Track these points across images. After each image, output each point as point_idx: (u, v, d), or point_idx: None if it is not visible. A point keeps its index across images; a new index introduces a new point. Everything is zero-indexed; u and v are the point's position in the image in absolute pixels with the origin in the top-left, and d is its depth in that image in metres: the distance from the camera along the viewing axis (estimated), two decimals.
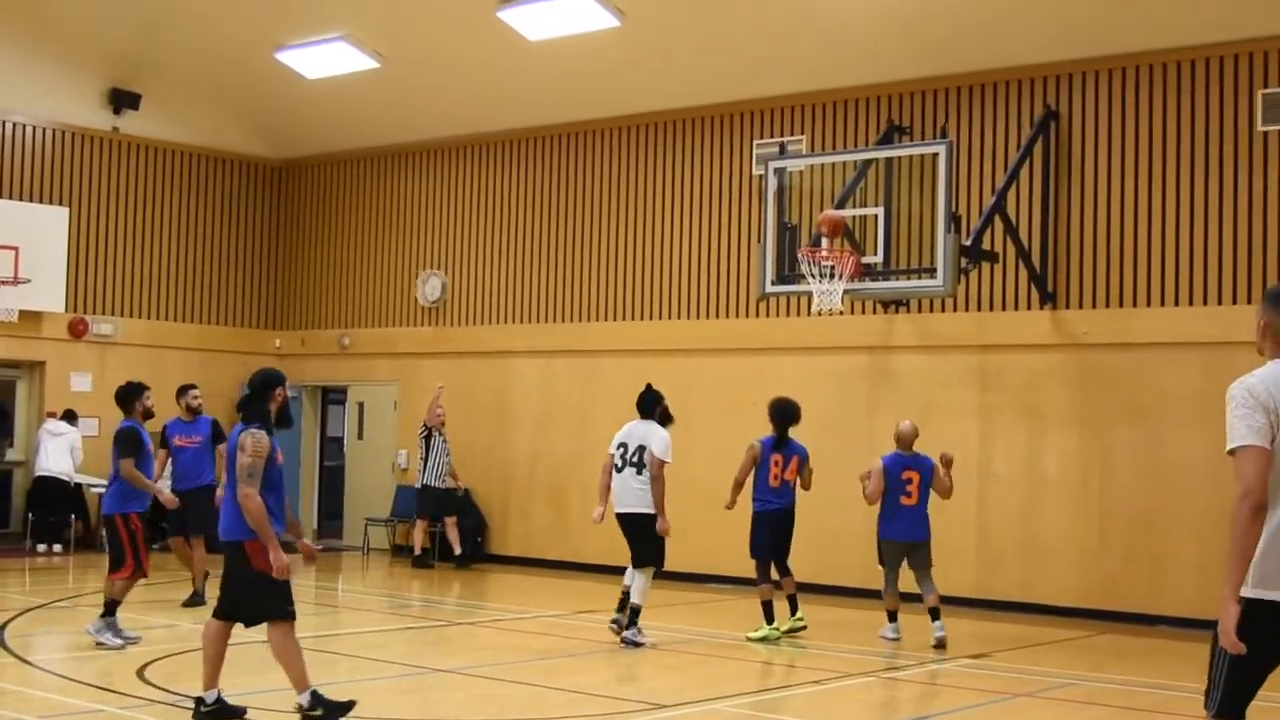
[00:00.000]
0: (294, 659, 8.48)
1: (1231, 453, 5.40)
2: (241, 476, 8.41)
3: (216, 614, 8.72)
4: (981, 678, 11.76)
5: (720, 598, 17.05)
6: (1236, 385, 5.53)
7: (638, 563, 12.88)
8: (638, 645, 12.63)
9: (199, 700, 8.65)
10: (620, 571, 13.24)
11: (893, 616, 13.62)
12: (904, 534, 13.52)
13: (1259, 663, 5.40)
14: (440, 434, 19.76)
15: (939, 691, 11.32)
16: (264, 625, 8.61)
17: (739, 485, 13.65)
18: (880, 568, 13.84)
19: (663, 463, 12.75)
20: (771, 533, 13.58)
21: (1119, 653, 13.49)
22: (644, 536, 12.86)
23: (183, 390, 14.92)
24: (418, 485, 19.98)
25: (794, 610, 13.82)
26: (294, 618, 8.58)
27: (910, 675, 11.98)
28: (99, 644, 11.64)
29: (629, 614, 12.77)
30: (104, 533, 19.98)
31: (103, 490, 20.19)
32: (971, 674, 11.94)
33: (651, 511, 12.79)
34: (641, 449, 12.83)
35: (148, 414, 12.67)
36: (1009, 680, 11.63)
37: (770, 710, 10.47)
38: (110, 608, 11.91)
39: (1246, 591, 5.31)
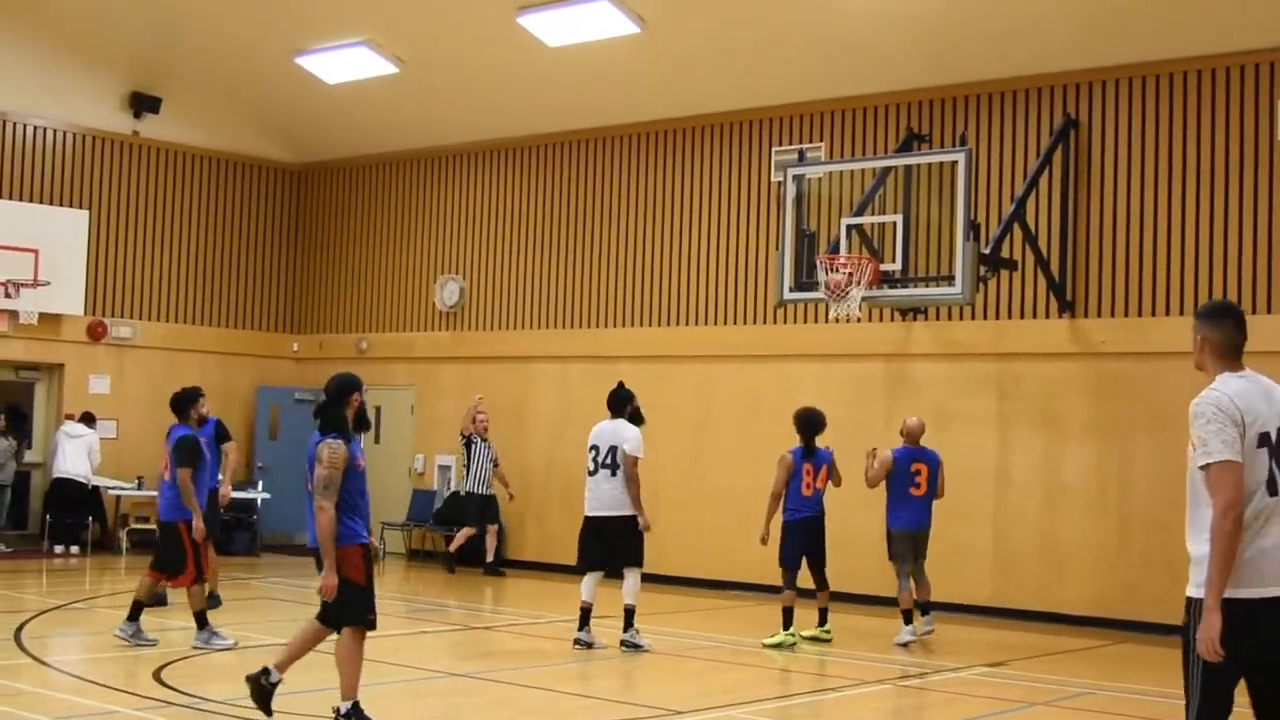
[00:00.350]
0: (353, 667, 8.54)
1: (1205, 468, 5.58)
2: (317, 489, 8.38)
3: (319, 618, 8.76)
4: (998, 686, 11.75)
5: (736, 604, 17.03)
6: (1203, 401, 5.68)
7: (625, 564, 12.83)
8: (637, 648, 12.60)
9: (266, 670, 8.74)
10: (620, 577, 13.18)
11: (909, 618, 13.72)
12: (913, 523, 13.95)
13: (1230, 665, 5.52)
14: (484, 441, 19.67)
15: (955, 699, 11.29)
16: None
17: (777, 498, 13.65)
18: (892, 563, 14.02)
19: (636, 459, 12.71)
20: (804, 541, 13.64)
21: (1136, 661, 13.44)
22: (625, 538, 12.81)
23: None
24: (461, 492, 19.92)
25: (822, 622, 13.84)
26: (373, 626, 8.62)
27: (927, 683, 11.95)
28: (217, 649, 11.82)
29: (625, 615, 12.70)
30: (118, 535, 20.31)
31: (121, 492, 20.46)
32: (988, 682, 11.92)
33: (628, 513, 12.76)
34: (613, 450, 12.76)
35: (202, 420, 12.68)
36: (1026, 689, 11.60)
37: (786, 718, 10.45)
38: (201, 619, 12.01)
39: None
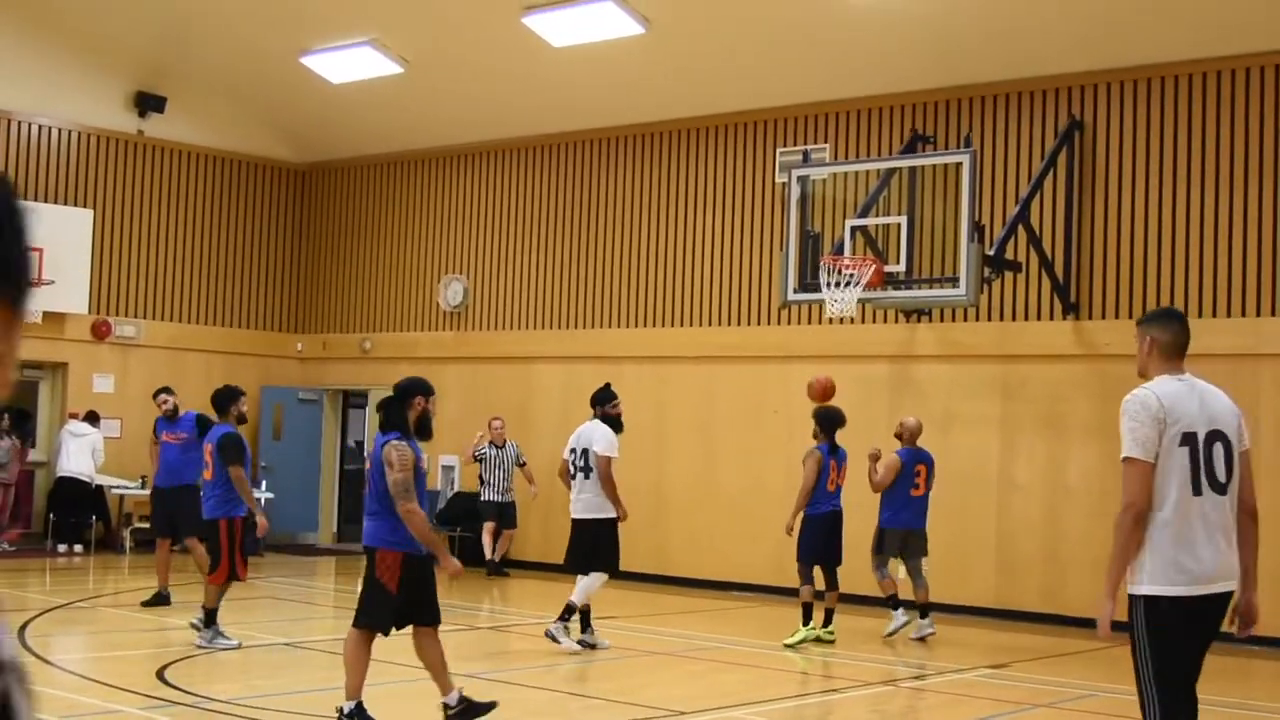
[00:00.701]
0: (357, 667, 8.57)
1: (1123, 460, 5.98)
2: (397, 493, 8.38)
3: (419, 624, 8.80)
4: (1000, 688, 11.75)
5: (740, 605, 17.03)
6: (1131, 399, 6.05)
7: (592, 568, 12.79)
8: (557, 642, 12.49)
9: (444, 705, 8.85)
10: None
11: (895, 603, 13.99)
12: (911, 522, 14.17)
13: (1180, 657, 5.94)
14: (499, 449, 19.54)
15: (957, 701, 11.29)
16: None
17: (808, 493, 13.67)
18: (876, 557, 14.24)
19: (608, 459, 12.63)
20: (825, 535, 13.77)
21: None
22: (597, 543, 12.76)
23: (155, 394, 15.16)
24: (478, 504, 19.84)
25: (827, 622, 13.87)
26: (383, 633, 8.66)
27: (929, 684, 11.95)
28: (220, 649, 11.90)
29: (564, 609, 12.61)
30: (121, 534, 20.32)
31: (125, 492, 20.47)
32: (990, 684, 11.92)
33: (602, 516, 12.69)
34: (586, 452, 12.75)
35: (241, 419, 12.73)
36: (1028, 690, 11.60)
37: (789, 718, 10.45)
38: (210, 616, 12.03)
39: (1144, 589, 5.93)
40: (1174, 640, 5.90)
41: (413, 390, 8.72)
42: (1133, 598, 5.99)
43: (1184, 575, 5.88)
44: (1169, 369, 6.17)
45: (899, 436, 14.44)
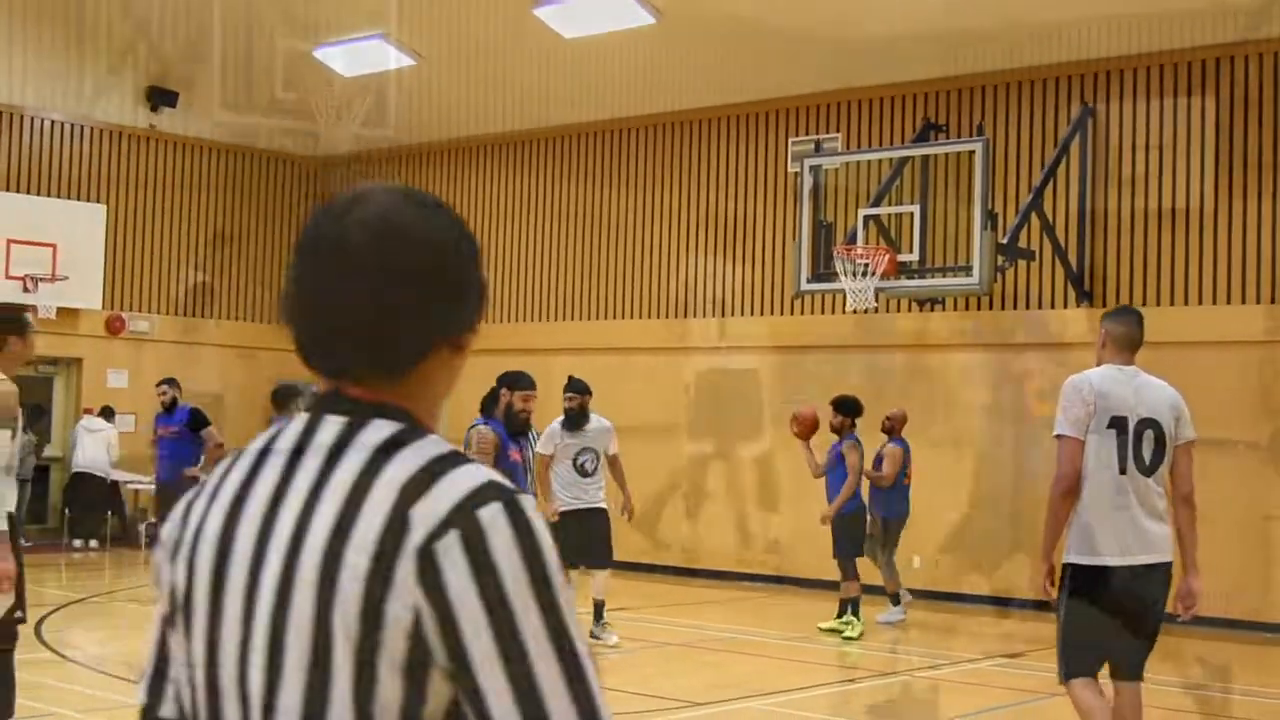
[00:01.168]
0: None
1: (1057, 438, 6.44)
2: None
3: None
4: (1016, 677, 11.73)
5: (752, 595, 17.02)
6: (1066, 382, 6.57)
7: None
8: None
9: None
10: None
11: (896, 599, 14.16)
12: (902, 512, 14.35)
13: (1090, 620, 6.32)
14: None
15: (973, 690, 11.28)
16: None
17: (856, 486, 13.64)
18: (885, 551, 14.31)
19: (540, 456, 12.26)
20: (863, 529, 13.78)
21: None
22: None
23: (157, 384, 15.16)
24: None
25: (841, 614, 13.86)
26: None
27: (944, 674, 11.94)
28: None
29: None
30: (137, 529, 20.35)
31: (140, 486, 20.50)
32: (1006, 673, 11.90)
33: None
34: None
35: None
36: (1044, 679, 11.55)
37: (803, 709, 10.45)
38: None
39: (1071, 558, 6.36)
40: (1087, 605, 6.30)
41: (500, 382, 9.25)
42: (1063, 565, 6.42)
43: (1102, 547, 6.27)
44: (1119, 360, 6.61)
45: (889, 431, 14.50)
